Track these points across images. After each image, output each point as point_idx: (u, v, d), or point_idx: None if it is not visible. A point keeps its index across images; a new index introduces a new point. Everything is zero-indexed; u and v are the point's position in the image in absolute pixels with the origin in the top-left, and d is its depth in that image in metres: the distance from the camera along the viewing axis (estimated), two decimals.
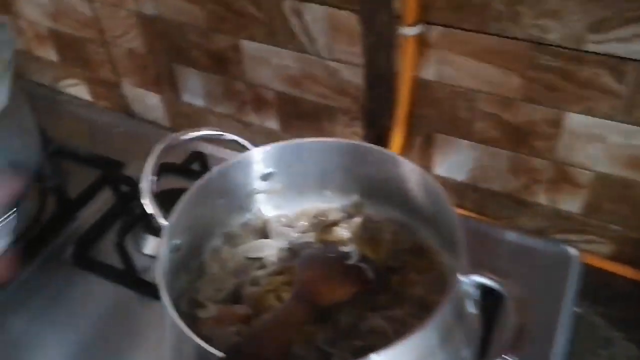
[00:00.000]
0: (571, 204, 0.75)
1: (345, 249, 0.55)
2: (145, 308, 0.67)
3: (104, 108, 1.11)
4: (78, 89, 1.14)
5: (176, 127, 1.04)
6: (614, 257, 0.76)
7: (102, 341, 0.65)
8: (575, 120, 0.68)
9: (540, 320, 0.61)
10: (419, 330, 0.38)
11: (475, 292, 0.44)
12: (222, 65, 0.90)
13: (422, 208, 0.53)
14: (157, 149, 0.53)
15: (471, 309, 0.44)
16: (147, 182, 0.50)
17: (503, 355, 0.36)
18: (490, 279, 0.42)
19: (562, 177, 0.73)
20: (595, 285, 0.74)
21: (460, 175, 0.82)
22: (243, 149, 0.55)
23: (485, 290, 0.45)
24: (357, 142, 0.55)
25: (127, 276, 0.69)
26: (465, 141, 0.77)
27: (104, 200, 0.81)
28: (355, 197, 0.58)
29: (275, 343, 0.39)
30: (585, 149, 0.69)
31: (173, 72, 0.97)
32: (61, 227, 0.77)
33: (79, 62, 1.08)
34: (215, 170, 0.53)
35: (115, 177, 0.79)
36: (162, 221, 0.49)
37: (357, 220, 0.57)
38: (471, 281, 0.43)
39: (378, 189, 0.56)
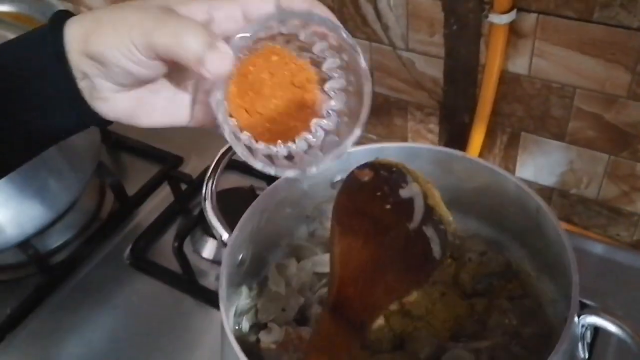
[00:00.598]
0: None
1: (404, 192, 0.37)
2: (201, 314, 0.63)
3: None
4: None
5: None
6: None
7: (153, 345, 0.62)
8: None
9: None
10: None
11: (588, 335, 0.37)
12: None
13: (515, 223, 0.46)
14: (221, 157, 0.48)
15: (583, 353, 0.37)
16: (209, 198, 0.45)
17: None
18: (608, 320, 0.35)
19: None
20: None
21: (547, 179, 0.73)
22: None
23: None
24: (443, 147, 0.48)
25: (185, 281, 0.66)
26: (556, 142, 0.69)
27: (162, 197, 0.77)
28: None
29: None
30: None
31: None
32: (119, 224, 0.74)
33: None
34: (282, 178, 0.47)
35: (175, 174, 0.75)
36: (225, 235, 0.44)
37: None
38: (584, 321, 0.36)
39: (465, 201, 0.49)
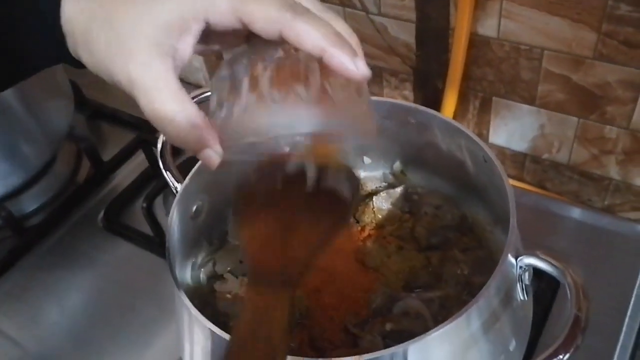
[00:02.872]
0: None
1: (291, 166, 0.35)
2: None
3: None
4: None
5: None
6: None
7: (126, 304, 0.63)
8: None
9: (607, 309, 0.54)
10: (460, 316, 0.32)
11: (527, 276, 0.38)
12: None
13: (471, 178, 0.47)
14: None
15: (522, 295, 0.38)
16: (161, 142, 0.46)
17: (559, 356, 0.29)
18: (545, 261, 0.35)
19: (639, 148, 0.64)
20: None
21: (519, 145, 0.74)
22: None
23: (540, 272, 0.38)
24: (400, 101, 0.48)
25: (156, 243, 0.66)
26: (527, 106, 0.69)
27: (137, 163, 0.78)
28: (396, 164, 0.52)
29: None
30: None
31: None
32: (94, 189, 0.75)
33: None
34: None
35: (149, 139, 0.75)
36: (177, 185, 0.44)
37: (398, 190, 0.50)
38: (522, 263, 0.36)
39: (422, 156, 0.50)
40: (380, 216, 0.49)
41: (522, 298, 0.38)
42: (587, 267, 0.57)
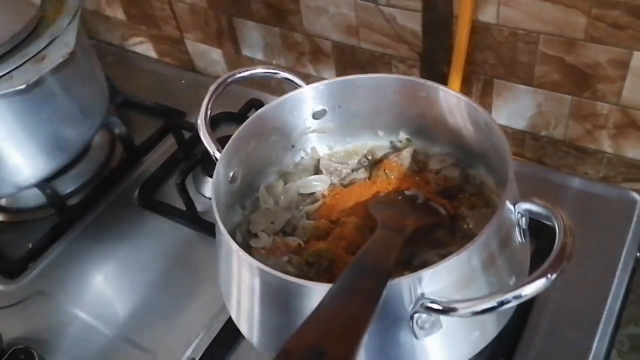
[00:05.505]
0: (637, 150, 0.72)
1: (409, 192, 0.55)
2: (206, 245, 0.70)
3: (168, 64, 1.14)
4: (144, 47, 1.18)
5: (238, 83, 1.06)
6: None
7: (164, 275, 0.69)
8: None
9: (600, 264, 0.60)
10: (460, 253, 0.38)
11: (524, 221, 0.44)
12: (280, 16, 0.91)
13: (474, 142, 0.53)
14: (213, 86, 0.54)
15: (520, 238, 0.44)
16: (203, 118, 0.52)
17: (547, 275, 0.35)
18: (539, 205, 0.41)
19: (629, 122, 0.70)
20: None
21: (519, 123, 0.80)
22: (298, 88, 0.56)
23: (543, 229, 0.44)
24: (408, 77, 0.54)
25: (189, 216, 0.73)
26: (525, 87, 0.75)
27: (168, 146, 0.84)
28: (401, 134, 0.59)
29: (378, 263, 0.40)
30: None
31: (233, 26, 0.99)
32: (128, 171, 0.81)
33: (144, 19, 1.12)
34: (267, 106, 0.54)
35: (178, 124, 0.82)
36: (217, 153, 0.51)
37: (406, 153, 0.57)
38: (519, 209, 0.42)
39: (429, 126, 0.56)
40: (392, 177, 0.56)
41: (520, 241, 0.44)
42: (583, 228, 0.64)
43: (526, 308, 0.57)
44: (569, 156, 0.79)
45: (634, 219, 0.63)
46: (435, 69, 0.81)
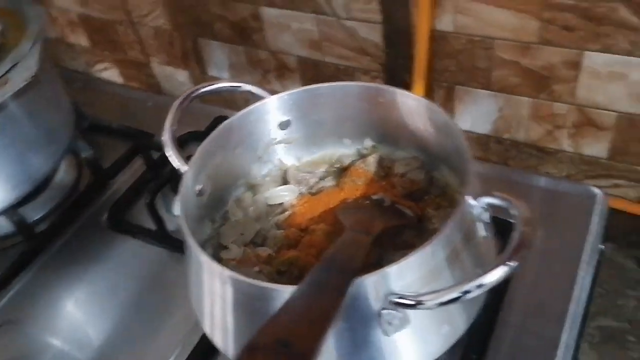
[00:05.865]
0: (596, 148, 0.74)
1: (376, 197, 0.56)
2: (178, 264, 0.69)
3: (135, 88, 1.15)
4: (110, 73, 1.18)
5: (204, 102, 1.07)
6: None
7: (137, 296, 0.68)
8: (594, 59, 0.67)
9: (566, 258, 0.62)
10: (423, 248, 0.39)
11: (486, 216, 0.45)
12: (244, 35, 0.92)
13: (436, 144, 0.54)
14: (177, 102, 0.55)
15: (483, 232, 0.45)
16: (168, 134, 0.53)
17: (506, 262, 0.36)
18: (499, 198, 0.42)
19: (585, 121, 0.73)
20: (626, 230, 0.73)
21: (483, 127, 0.82)
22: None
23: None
24: (367, 83, 0.56)
25: (159, 235, 0.72)
26: (486, 91, 0.77)
27: (136, 168, 0.84)
28: (367, 140, 0.60)
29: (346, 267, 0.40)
30: (607, 89, 0.68)
31: (198, 47, 1.00)
32: (96, 195, 0.81)
33: (109, 45, 1.12)
34: (232, 118, 0.55)
35: (146, 145, 0.82)
36: (184, 167, 0.51)
37: (372, 159, 0.58)
38: (480, 203, 0.44)
39: (393, 131, 0.57)
40: (359, 183, 0.57)
41: (484, 235, 0.45)
42: (547, 225, 0.66)
43: (496, 304, 0.58)
44: (532, 157, 0.81)
45: (595, 212, 0.65)
46: (398, 78, 0.83)
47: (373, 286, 0.39)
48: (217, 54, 0.98)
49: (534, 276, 0.61)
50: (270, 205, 0.59)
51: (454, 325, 0.45)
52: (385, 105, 0.55)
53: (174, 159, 0.52)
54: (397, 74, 0.82)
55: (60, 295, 0.71)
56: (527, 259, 0.37)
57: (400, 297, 0.39)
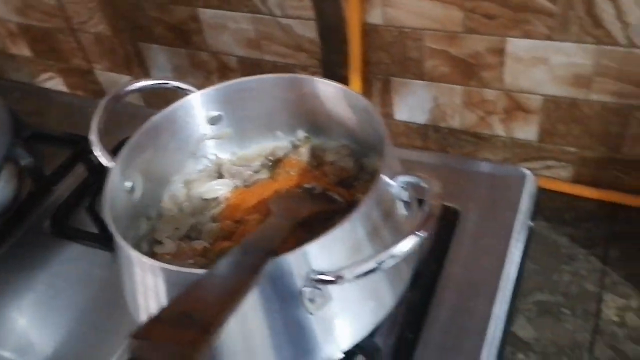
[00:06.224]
0: (526, 131, 0.77)
1: (307, 185, 0.57)
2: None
3: (79, 96, 1.14)
4: (54, 82, 1.17)
5: (150, 107, 1.07)
6: (574, 180, 0.78)
7: (83, 300, 0.68)
8: (516, 45, 0.70)
9: (497, 236, 0.64)
10: (341, 225, 0.41)
11: (406, 195, 0.46)
12: (184, 37, 0.93)
13: (360, 131, 0.55)
14: (103, 101, 0.55)
15: (403, 210, 0.47)
16: (95, 133, 0.53)
17: (415, 232, 0.38)
18: (412, 175, 0.44)
19: (514, 105, 0.75)
20: (559, 208, 0.76)
21: (420, 117, 0.84)
22: None
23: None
24: (287, 74, 0.57)
25: (102, 238, 0.72)
26: (420, 81, 0.79)
27: (79, 174, 0.83)
28: (300, 132, 0.61)
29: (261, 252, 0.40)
30: (531, 73, 0.71)
31: (140, 52, 1.00)
32: (39, 202, 0.80)
33: (52, 54, 1.12)
34: (158, 114, 0.55)
35: (87, 150, 0.81)
36: (109, 162, 0.52)
37: (304, 149, 0.59)
38: (398, 182, 0.45)
39: (322, 121, 0.58)
40: (293, 173, 0.58)
41: (404, 213, 0.47)
42: (480, 205, 0.68)
43: (431, 283, 0.59)
44: (469, 144, 0.83)
45: (524, 192, 0.67)
46: (335, 73, 0.85)
47: (293, 265, 0.40)
48: (160, 58, 0.98)
49: (467, 256, 0.63)
50: (206, 200, 0.59)
51: (380, 301, 0.46)
52: (310, 96, 0.56)
53: (102, 157, 0.52)
54: (334, 69, 0.84)
55: (5, 307, 0.70)
56: (433, 229, 0.39)
57: (320, 274, 0.40)
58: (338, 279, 0.39)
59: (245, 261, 0.37)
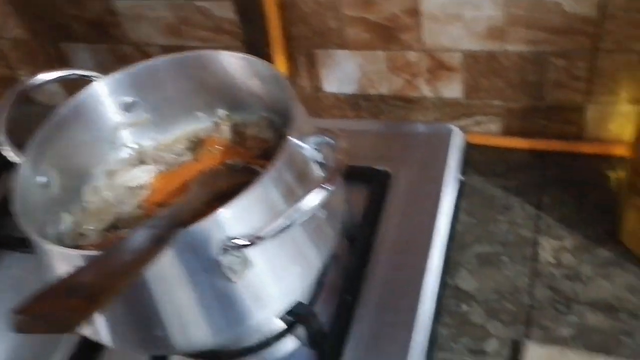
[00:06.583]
0: (452, 89, 0.78)
1: (230, 162, 0.57)
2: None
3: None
4: None
5: None
6: (504, 133, 0.79)
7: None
8: (429, 3, 0.70)
9: (428, 191, 0.65)
10: (251, 188, 0.40)
11: (320, 157, 0.46)
12: (103, 31, 0.90)
13: (275, 100, 0.55)
14: (12, 92, 0.54)
15: (319, 172, 0.47)
16: (1, 130, 0.51)
17: (321, 185, 0.38)
18: (321, 135, 0.44)
19: (437, 65, 0.76)
20: (492, 162, 0.77)
21: (350, 88, 0.84)
22: None
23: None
24: (191, 52, 0.56)
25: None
26: (343, 51, 0.79)
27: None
28: (221, 112, 0.60)
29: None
30: (448, 30, 0.72)
31: (62, 52, 0.97)
32: None
33: None
34: (64, 105, 0.54)
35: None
36: (16, 157, 0.50)
37: (225, 126, 0.59)
38: (309, 143, 0.45)
39: (238, 96, 0.58)
40: (216, 152, 0.57)
41: (320, 175, 0.47)
42: (412, 165, 0.69)
43: (366, 247, 0.60)
44: (399, 109, 0.84)
45: (451, 147, 0.68)
46: (260, 53, 0.84)
47: (208, 233, 0.40)
48: (82, 56, 0.96)
49: (400, 216, 0.63)
50: (130, 188, 0.58)
51: (306, 264, 0.46)
52: (221, 72, 0.55)
53: (10, 154, 0.51)
54: (257, 48, 0.83)
55: None
56: (340, 183, 0.39)
57: (235, 239, 0.39)
58: (252, 241, 0.39)
59: (150, 234, 0.36)
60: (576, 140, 0.75)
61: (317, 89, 0.85)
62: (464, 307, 0.61)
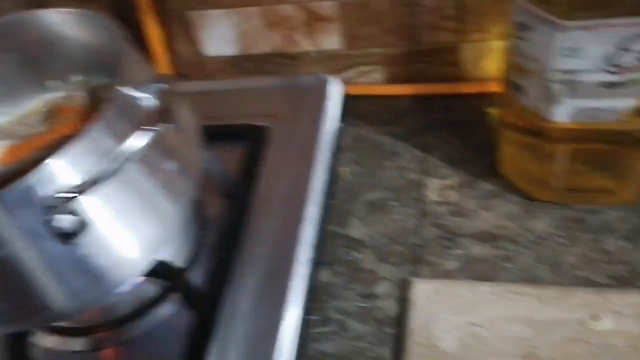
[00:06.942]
0: (331, 41, 0.77)
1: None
2: None
3: None
4: None
5: None
6: (388, 80, 0.79)
7: None
8: None
9: (307, 141, 0.64)
10: (76, 140, 0.38)
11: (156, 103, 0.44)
12: None
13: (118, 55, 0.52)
14: None
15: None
16: None
17: (141, 127, 0.36)
18: (153, 83, 0.42)
19: (312, 16, 0.75)
20: (378, 111, 0.77)
21: (229, 49, 0.81)
22: None
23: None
24: (18, 13, 0.52)
25: None
26: (217, 10, 0.76)
27: None
28: (74, 77, 0.56)
29: None
30: None
31: None
32: None
33: None
34: None
35: None
36: None
37: (79, 92, 0.55)
38: (146, 92, 0.42)
39: (87, 58, 0.54)
40: (72, 120, 0.54)
41: (175, 126, 0.44)
42: (290, 118, 0.67)
43: (245, 203, 0.58)
44: (283, 66, 0.82)
45: (327, 96, 0.67)
46: (130, 19, 0.80)
47: (33, 191, 0.37)
48: None
49: (278, 169, 0.62)
50: None
51: (163, 218, 0.44)
52: (55, 35, 0.52)
53: None
54: (127, 15, 0.79)
55: None
56: (161, 126, 0.37)
57: (62, 193, 0.37)
58: (79, 190, 0.36)
59: None
60: (457, 82, 0.76)
61: (197, 53, 0.82)
62: (355, 255, 0.61)
